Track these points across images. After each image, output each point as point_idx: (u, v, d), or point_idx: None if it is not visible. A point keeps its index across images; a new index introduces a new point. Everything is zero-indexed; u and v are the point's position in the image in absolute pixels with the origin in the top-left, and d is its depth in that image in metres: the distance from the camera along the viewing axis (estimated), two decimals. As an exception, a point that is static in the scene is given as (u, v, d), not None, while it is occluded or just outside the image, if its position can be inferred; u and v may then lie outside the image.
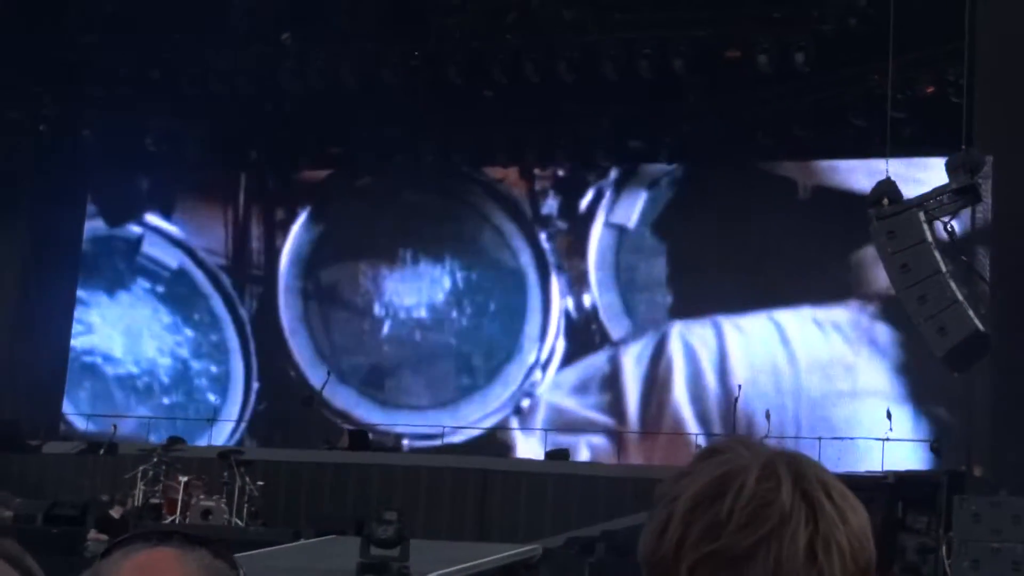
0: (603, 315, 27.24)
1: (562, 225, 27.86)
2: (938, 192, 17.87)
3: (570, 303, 27.55)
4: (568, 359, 27.25)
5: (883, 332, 25.21)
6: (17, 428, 25.14)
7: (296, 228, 29.16)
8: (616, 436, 26.75)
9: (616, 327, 27.12)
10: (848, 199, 24.08)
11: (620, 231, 27.39)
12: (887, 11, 18.61)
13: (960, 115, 18.35)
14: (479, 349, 27.86)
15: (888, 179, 18.15)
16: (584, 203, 27.65)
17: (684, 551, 1.60)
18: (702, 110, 25.31)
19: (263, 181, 29.54)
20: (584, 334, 27.30)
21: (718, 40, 23.81)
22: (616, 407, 26.77)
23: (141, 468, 21.65)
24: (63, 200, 28.76)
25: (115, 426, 25.48)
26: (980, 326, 17.14)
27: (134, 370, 29.25)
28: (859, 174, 23.80)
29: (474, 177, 28.26)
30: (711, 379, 26.11)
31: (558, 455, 24.70)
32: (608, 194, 27.51)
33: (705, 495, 1.62)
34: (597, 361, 27.10)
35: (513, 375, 27.44)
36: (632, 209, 27.33)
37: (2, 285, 28.15)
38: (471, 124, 26.79)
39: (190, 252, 29.58)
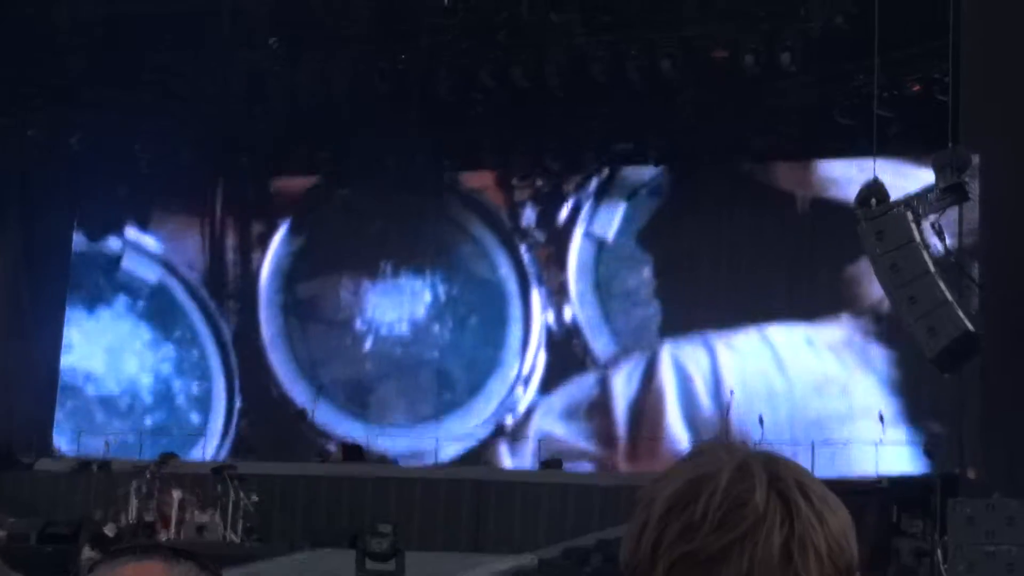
0: (584, 328, 26.90)
1: (540, 237, 27.60)
2: (925, 191, 17.90)
3: (551, 316, 27.23)
4: (555, 379, 26.81)
5: (877, 347, 24.94)
6: (8, 446, 25.03)
7: (276, 241, 28.77)
8: (607, 464, 26.29)
9: (598, 339, 26.78)
10: (843, 211, 23.31)
11: (600, 243, 27.13)
12: (873, 10, 18.64)
13: (947, 113, 18.37)
14: (460, 363, 27.45)
15: (875, 179, 18.16)
16: (563, 215, 27.40)
17: (660, 553, 1.59)
18: (689, 111, 25.25)
19: (243, 193, 29.12)
20: (566, 347, 26.99)
21: (705, 41, 23.81)
22: (606, 433, 26.30)
23: (135, 484, 21.54)
24: (52, 209, 28.27)
25: (107, 443, 25.34)
26: (970, 326, 17.14)
27: (115, 390, 28.69)
28: (856, 185, 23.38)
29: (454, 188, 28.00)
30: (704, 396, 25.71)
31: (552, 465, 24.63)
32: (587, 205, 27.23)
33: (680, 497, 1.61)
34: (586, 383, 26.71)
35: (496, 389, 27.07)
36: (611, 221, 27.08)
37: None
38: (460, 129, 26.68)
39: (170, 267, 29.09)
